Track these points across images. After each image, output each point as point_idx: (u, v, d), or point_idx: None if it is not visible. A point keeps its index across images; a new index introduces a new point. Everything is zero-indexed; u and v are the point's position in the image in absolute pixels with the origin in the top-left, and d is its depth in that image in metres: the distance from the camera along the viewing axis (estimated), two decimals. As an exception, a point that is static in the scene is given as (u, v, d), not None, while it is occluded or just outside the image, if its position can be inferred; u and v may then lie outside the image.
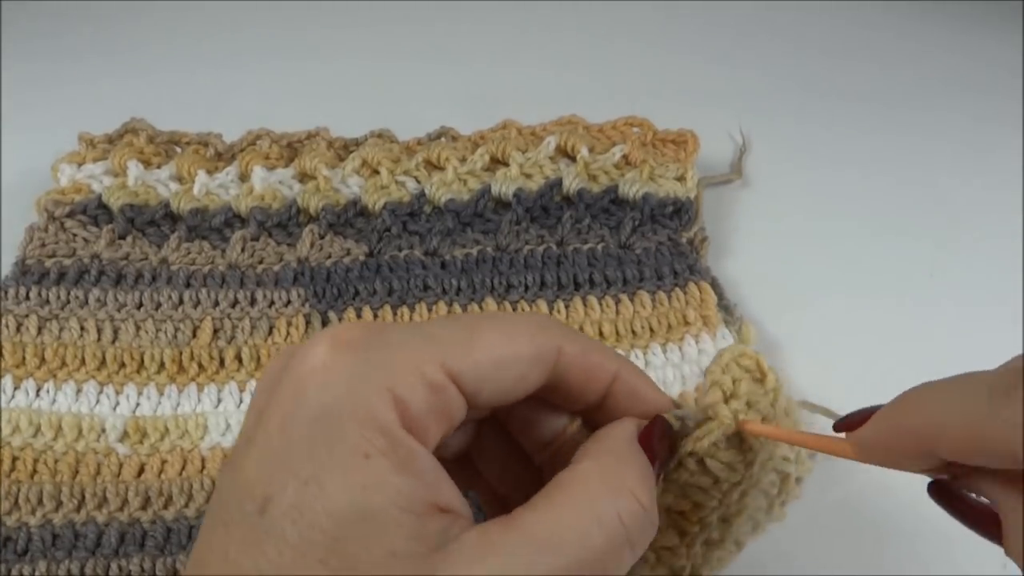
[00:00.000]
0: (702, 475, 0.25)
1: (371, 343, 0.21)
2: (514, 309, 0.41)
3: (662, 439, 0.24)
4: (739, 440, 0.25)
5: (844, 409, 0.35)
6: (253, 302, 0.41)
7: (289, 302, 0.41)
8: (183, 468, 0.36)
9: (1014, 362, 0.20)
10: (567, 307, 0.41)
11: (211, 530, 0.21)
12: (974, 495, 0.22)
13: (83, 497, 0.35)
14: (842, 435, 0.23)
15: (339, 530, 0.19)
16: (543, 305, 0.41)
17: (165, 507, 0.34)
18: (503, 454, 0.26)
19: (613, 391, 0.24)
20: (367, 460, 0.20)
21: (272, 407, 0.21)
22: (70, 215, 0.44)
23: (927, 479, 0.23)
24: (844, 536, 0.36)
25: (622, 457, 0.22)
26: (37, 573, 0.32)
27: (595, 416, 0.25)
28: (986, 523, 0.21)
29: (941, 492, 0.22)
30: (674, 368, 0.39)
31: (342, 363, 0.21)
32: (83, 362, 0.39)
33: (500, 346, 0.22)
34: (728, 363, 0.25)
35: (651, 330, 0.41)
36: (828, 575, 0.34)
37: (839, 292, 0.45)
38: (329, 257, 0.43)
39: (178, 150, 0.48)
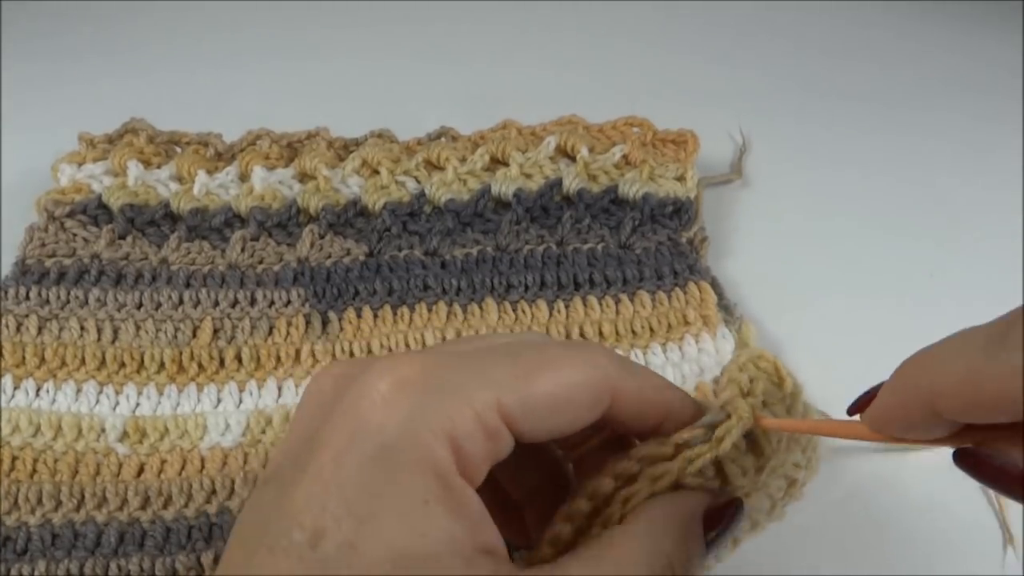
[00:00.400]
0: (715, 479, 0.25)
1: (430, 383, 0.21)
2: (514, 309, 0.41)
3: (732, 519, 0.24)
4: (754, 443, 0.25)
5: (843, 407, 0.35)
6: (253, 302, 0.41)
7: (289, 302, 0.41)
8: (182, 468, 0.36)
9: (1012, 312, 0.19)
10: (567, 307, 0.41)
11: (251, 550, 0.20)
12: (999, 458, 0.21)
13: (82, 497, 0.35)
14: (856, 418, 0.23)
15: (394, 572, 0.19)
16: (543, 305, 0.41)
17: (164, 507, 0.34)
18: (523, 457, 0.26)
19: (663, 427, 0.24)
20: (425, 506, 0.20)
21: (326, 436, 0.21)
22: (70, 215, 0.44)
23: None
24: (842, 536, 0.36)
25: (679, 539, 0.22)
26: (36, 573, 0.32)
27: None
28: (1012, 484, 0.20)
29: (965, 458, 0.21)
30: (674, 367, 0.39)
31: (402, 403, 0.21)
32: (83, 362, 0.39)
33: (557, 390, 0.22)
34: (745, 363, 0.25)
35: (651, 330, 0.40)
36: (827, 575, 0.34)
37: (839, 292, 0.45)
38: (329, 257, 0.43)
39: (178, 150, 0.48)
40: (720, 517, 0.24)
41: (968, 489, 0.36)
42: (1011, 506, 0.36)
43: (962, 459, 0.22)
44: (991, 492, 0.36)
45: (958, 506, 0.36)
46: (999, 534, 0.35)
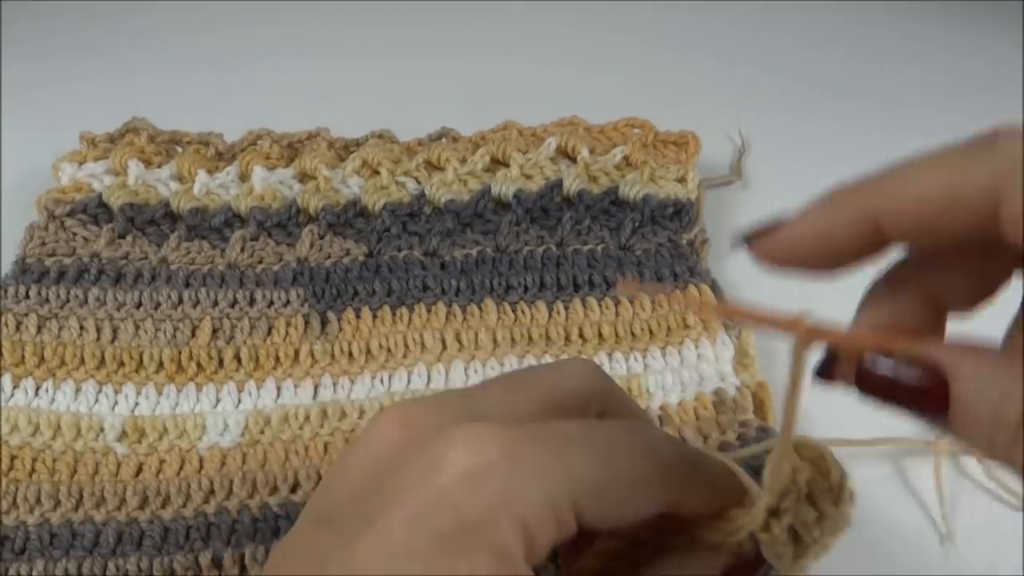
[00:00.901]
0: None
1: (512, 464, 0.21)
2: (513, 310, 0.41)
3: None
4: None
5: (843, 406, 0.34)
6: (252, 302, 0.41)
7: (288, 302, 0.41)
8: (181, 468, 0.36)
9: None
10: (566, 308, 0.41)
11: None
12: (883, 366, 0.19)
13: (81, 496, 0.35)
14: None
15: None
16: (542, 306, 0.41)
17: (163, 507, 0.34)
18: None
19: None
20: None
21: (399, 497, 0.21)
22: (70, 214, 0.44)
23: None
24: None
25: None
26: (34, 572, 0.32)
27: None
28: (918, 395, 0.19)
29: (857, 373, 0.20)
30: (673, 373, 0.39)
31: (484, 484, 0.21)
32: (82, 361, 0.39)
33: (629, 488, 0.22)
34: (790, 455, 0.23)
35: (651, 332, 0.40)
36: (822, 575, 0.34)
37: (840, 296, 0.45)
38: (328, 257, 0.43)
39: (179, 149, 0.48)
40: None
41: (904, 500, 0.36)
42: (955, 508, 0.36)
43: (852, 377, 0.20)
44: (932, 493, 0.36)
45: (895, 513, 0.36)
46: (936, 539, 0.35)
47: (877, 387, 0.20)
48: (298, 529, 0.23)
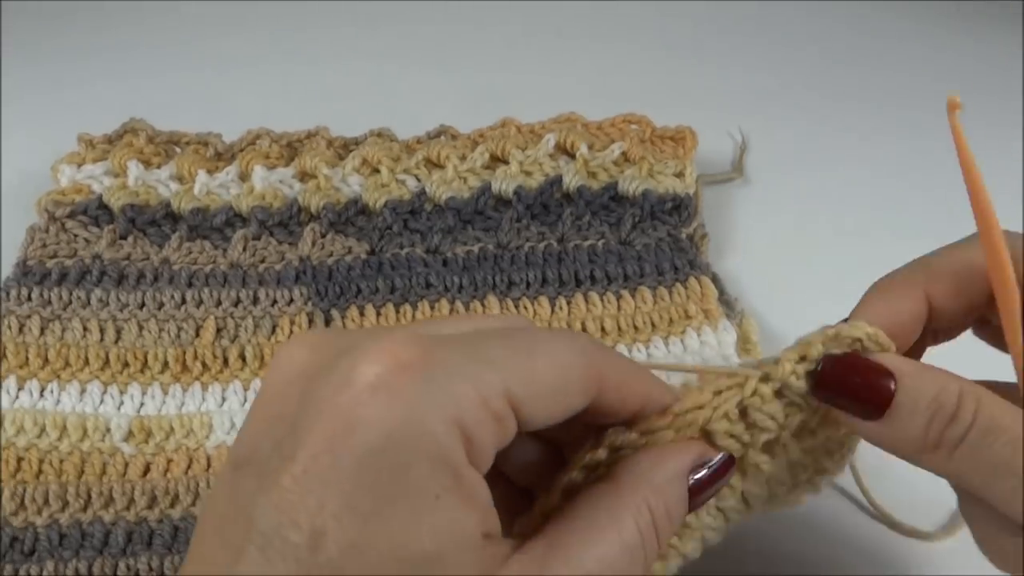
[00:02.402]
0: (744, 432, 0.25)
1: (431, 367, 0.19)
2: (516, 306, 0.41)
3: (722, 479, 0.24)
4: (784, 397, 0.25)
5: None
6: (256, 301, 0.41)
7: (292, 301, 0.41)
8: (189, 467, 0.36)
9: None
10: (569, 303, 0.42)
11: (237, 548, 0.18)
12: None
13: (89, 497, 0.35)
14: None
15: (403, 572, 0.18)
16: (545, 302, 0.42)
17: (172, 506, 0.34)
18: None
19: (642, 413, 0.24)
20: (437, 500, 0.19)
21: (313, 423, 0.19)
22: (71, 216, 0.44)
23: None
24: (829, 539, 0.36)
25: (662, 489, 0.23)
26: (45, 573, 0.32)
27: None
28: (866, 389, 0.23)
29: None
30: (676, 361, 0.39)
31: (404, 388, 0.19)
32: (87, 362, 0.39)
33: (556, 374, 0.21)
34: (835, 335, 0.25)
35: (652, 325, 0.41)
36: (818, 575, 0.34)
37: (840, 292, 0.45)
38: (331, 255, 0.43)
39: (178, 150, 0.48)
40: (708, 473, 0.24)
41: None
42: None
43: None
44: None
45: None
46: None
47: (831, 385, 0.24)
48: (221, 475, 0.21)
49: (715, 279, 0.43)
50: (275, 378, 0.21)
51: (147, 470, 0.36)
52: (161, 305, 0.41)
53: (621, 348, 0.40)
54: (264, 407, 0.21)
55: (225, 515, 0.19)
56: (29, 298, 0.41)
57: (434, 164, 0.46)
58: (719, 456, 0.24)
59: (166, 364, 0.39)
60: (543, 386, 0.21)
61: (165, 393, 0.38)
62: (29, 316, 0.40)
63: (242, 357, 0.39)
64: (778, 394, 0.25)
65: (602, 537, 0.21)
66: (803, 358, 0.25)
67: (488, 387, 0.20)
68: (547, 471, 0.26)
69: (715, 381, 0.25)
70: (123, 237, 0.44)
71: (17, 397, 0.38)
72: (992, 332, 0.27)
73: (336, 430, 0.19)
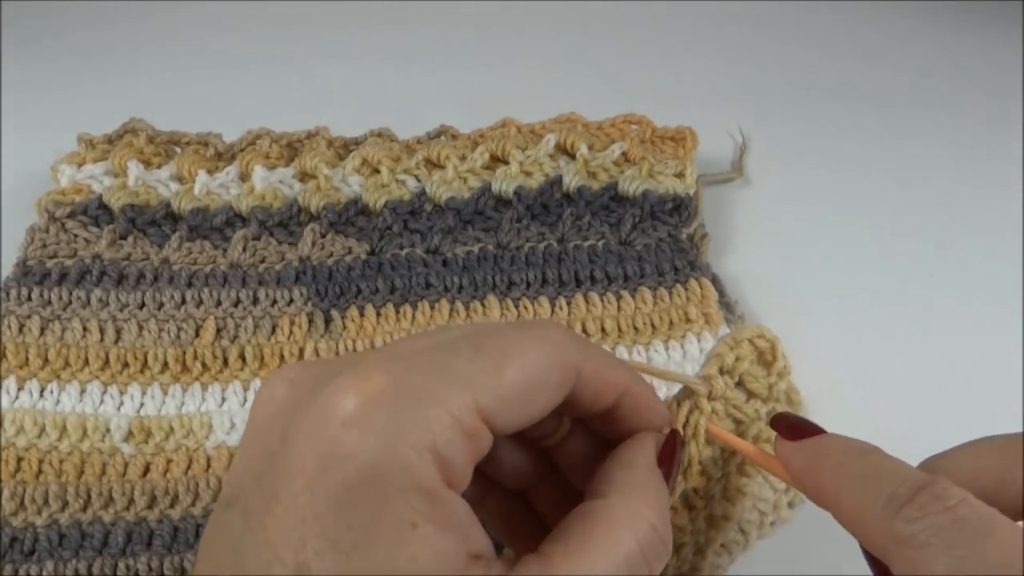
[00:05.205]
0: (707, 446, 0.26)
1: (400, 392, 0.20)
2: (516, 306, 0.41)
3: (678, 453, 0.25)
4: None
5: (844, 407, 0.35)
6: (256, 301, 0.41)
7: (292, 301, 0.41)
8: (188, 467, 0.36)
9: (919, 476, 0.21)
10: (569, 304, 0.42)
11: None
12: None
13: (89, 497, 0.35)
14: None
15: None
16: (545, 302, 0.41)
17: (171, 506, 0.34)
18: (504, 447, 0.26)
19: (619, 403, 0.24)
20: (415, 529, 0.19)
21: (294, 460, 0.19)
22: (71, 216, 0.44)
23: None
24: (826, 541, 0.36)
25: (645, 489, 0.23)
26: (44, 573, 0.32)
27: (595, 420, 0.25)
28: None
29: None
30: (676, 367, 0.39)
31: (375, 421, 0.19)
32: (86, 362, 0.39)
33: (527, 376, 0.21)
34: (741, 340, 0.26)
35: (652, 326, 0.41)
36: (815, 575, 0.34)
37: (839, 291, 0.45)
38: (331, 256, 0.43)
39: (178, 150, 0.48)
40: (670, 454, 0.24)
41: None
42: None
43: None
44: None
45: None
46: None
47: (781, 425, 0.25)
48: (213, 515, 0.21)
49: (715, 280, 0.43)
50: (256, 416, 0.22)
51: (147, 470, 0.36)
52: (161, 305, 0.41)
53: (621, 349, 0.40)
54: (249, 445, 0.21)
55: (216, 555, 0.20)
56: (29, 298, 0.41)
57: (434, 164, 0.46)
58: (665, 433, 0.25)
59: (166, 364, 0.39)
60: (514, 392, 0.21)
61: (165, 393, 0.38)
62: (29, 316, 0.40)
63: (242, 357, 0.39)
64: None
65: (602, 555, 0.21)
66: (721, 370, 0.27)
67: (458, 407, 0.20)
68: (537, 470, 0.26)
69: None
70: (123, 237, 0.44)
71: (17, 397, 0.38)
72: None
73: (313, 467, 0.19)
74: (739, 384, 0.27)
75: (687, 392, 0.26)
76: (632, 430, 0.25)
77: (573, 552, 0.21)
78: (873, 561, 0.23)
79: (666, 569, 0.27)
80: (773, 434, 0.25)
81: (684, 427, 0.26)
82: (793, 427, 0.24)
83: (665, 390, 0.35)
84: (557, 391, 0.22)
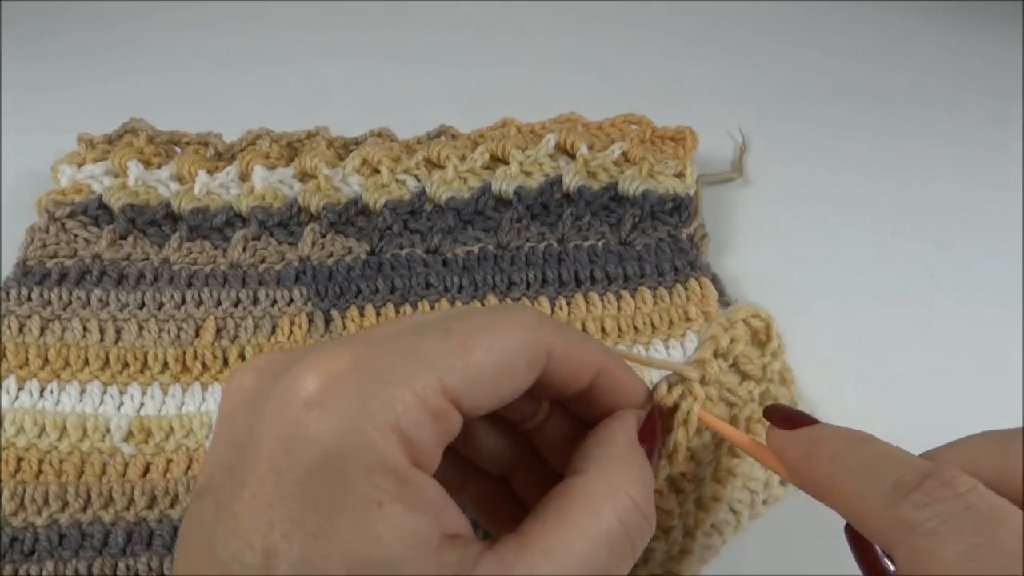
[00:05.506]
0: (697, 436, 0.26)
1: (363, 373, 0.20)
2: (516, 306, 0.41)
3: (659, 429, 0.25)
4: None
5: (844, 407, 0.35)
6: (256, 301, 0.41)
7: (292, 301, 0.41)
8: (188, 467, 0.36)
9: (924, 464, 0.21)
10: (568, 304, 0.42)
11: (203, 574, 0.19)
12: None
13: (89, 497, 0.35)
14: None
15: None
16: (545, 302, 0.42)
17: (171, 506, 0.34)
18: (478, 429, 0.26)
19: (596, 383, 0.24)
20: (380, 508, 0.19)
21: (259, 446, 0.19)
22: (71, 216, 0.44)
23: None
24: (822, 541, 0.36)
25: (626, 464, 0.23)
26: (44, 573, 0.32)
27: (573, 401, 0.25)
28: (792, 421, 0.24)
29: (853, 533, 0.23)
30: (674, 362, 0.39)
31: (337, 402, 0.19)
32: (86, 362, 0.39)
33: (495, 357, 0.21)
34: (736, 321, 0.26)
35: (652, 326, 0.41)
36: (815, 575, 0.34)
37: (840, 291, 0.45)
38: (331, 256, 0.43)
39: (178, 150, 0.48)
40: (651, 430, 0.24)
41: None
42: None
43: (850, 532, 0.23)
44: None
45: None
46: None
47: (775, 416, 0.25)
48: (188, 507, 0.21)
49: (715, 280, 0.43)
50: (225, 407, 0.22)
51: (147, 470, 0.36)
52: (161, 305, 0.41)
53: (621, 349, 0.40)
54: (219, 436, 0.21)
55: (191, 547, 0.20)
56: (29, 298, 0.41)
57: (434, 164, 0.46)
58: (645, 410, 0.25)
59: (166, 364, 0.39)
60: (482, 373, 0.21)
61: (165, 393, 0.38)
62: (29, 316, 0.40)
63: (242, 357, 0.39)
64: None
65: (580, 531, 0.21)
66: (716, 352, 0.26)
67: (423, 386, 0.20)
68: (518, 454, 0.26)
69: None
70: (123, 237, 0.44)
71: (17, 397, 0.38)
72: None
73: (278, 451, 0.19)
74: (732, 366, 0.26)
75: (678, 377, 0.26)
76: (611, 410, 0.24)
77: (550, 529, 0.21)
78: (858, 549, 0.23)
79: (655, 552, 0.27)
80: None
81: (675, 412, 0.25)
82: (787, 418, 0.24)
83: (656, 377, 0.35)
84: (528, 372, 0.22)
